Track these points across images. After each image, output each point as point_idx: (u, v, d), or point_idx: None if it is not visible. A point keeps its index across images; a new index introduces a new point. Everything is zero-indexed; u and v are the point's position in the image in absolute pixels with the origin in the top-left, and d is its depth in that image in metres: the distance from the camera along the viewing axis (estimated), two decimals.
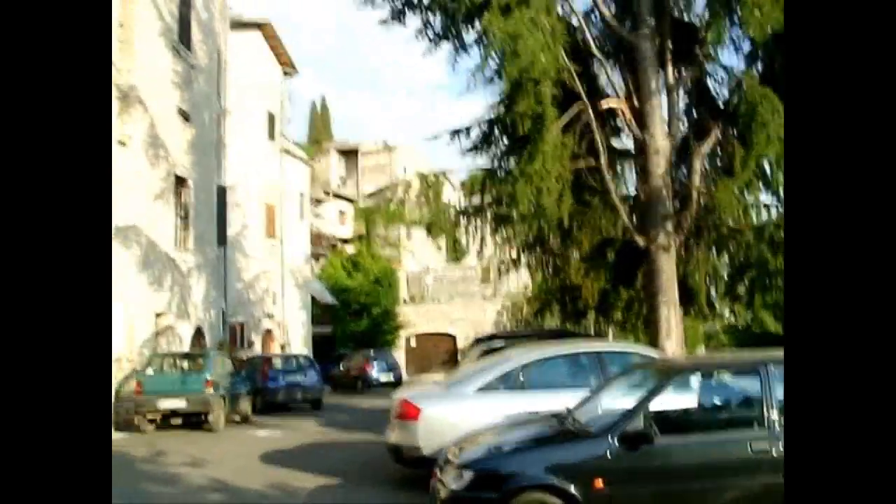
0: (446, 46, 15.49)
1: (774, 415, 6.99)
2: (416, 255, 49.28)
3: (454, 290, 47.47)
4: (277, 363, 25.30)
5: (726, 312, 19.80)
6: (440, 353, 43.19)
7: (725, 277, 17.18)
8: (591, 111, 14.18)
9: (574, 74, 13.90)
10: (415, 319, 45.90)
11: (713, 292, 17.73)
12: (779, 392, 7.24)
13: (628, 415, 6.93)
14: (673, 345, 13.89)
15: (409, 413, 9.76)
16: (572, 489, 6.58)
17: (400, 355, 42.81)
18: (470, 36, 15.13)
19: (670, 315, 14.08)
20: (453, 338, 44.49)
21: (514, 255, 20.47)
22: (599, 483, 6.63)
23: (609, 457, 6.68)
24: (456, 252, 42.38)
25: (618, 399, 7.77)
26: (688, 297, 15.93)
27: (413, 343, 46.07)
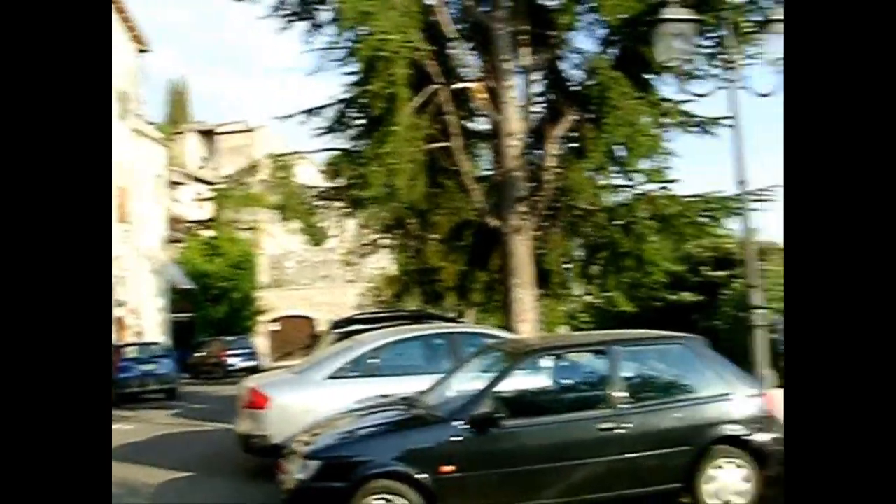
0: (301, 25, 15.13)
1: (620, 393, 7.12)
2: (279, 238, 48.34)
3: (316, 273, 46.90)
4: (129, 352, 24.31)
5: (581, 293, 20.13)
6: (303, 338, 42.56)
7: (580, 258, 17.41)
8: (446, 92, 14.10)
9: (429, 55, 13.78)
10: (277, 304, 45.11)
11: (569, 273, 17.96)
12: (624, 371, 7.38)
13: (476, 398, 6.90)
14: (528, 326, 14.01)
15: (257, 402, 9.49)
16: (420, 475, 6.50)
17: (262, 341, 42.05)
18: (324, 15, 14.83)
19: (525, 296, 14.19)
20: (316, 322, 43.96)
21: (374, 238, 20.35)
22: (448, 468, 6.57)
23: (457, 441, 6.64)
24: (313, 235, 41.72)
25: (469, 382, 7.73)
26: (543, 278, 16.08)
27: (275, 328, 45.34)
